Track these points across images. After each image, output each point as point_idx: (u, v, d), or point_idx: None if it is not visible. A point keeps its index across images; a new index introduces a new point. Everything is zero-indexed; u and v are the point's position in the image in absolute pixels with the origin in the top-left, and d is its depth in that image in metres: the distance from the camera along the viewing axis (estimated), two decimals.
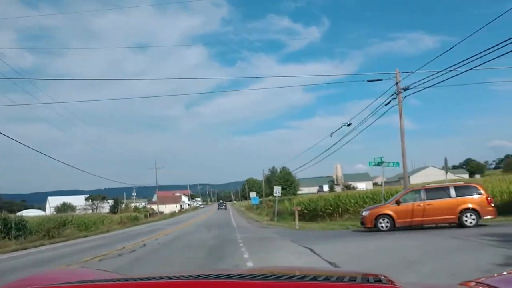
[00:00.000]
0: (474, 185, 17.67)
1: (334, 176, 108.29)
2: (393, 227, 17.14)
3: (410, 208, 17.08)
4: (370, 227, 17.61)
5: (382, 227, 17.23)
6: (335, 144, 28.22)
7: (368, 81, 21.53)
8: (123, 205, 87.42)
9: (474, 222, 16.28)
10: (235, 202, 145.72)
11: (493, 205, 16.84)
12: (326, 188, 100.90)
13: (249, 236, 19.21)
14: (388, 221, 17.21)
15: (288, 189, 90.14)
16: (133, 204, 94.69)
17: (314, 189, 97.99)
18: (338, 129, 25.68)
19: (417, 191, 17.73)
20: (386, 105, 21.66)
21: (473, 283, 1.42)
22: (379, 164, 21.73)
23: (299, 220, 32.16)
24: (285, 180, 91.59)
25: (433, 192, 17.18)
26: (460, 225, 16.43)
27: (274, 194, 35.76)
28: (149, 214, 71.71)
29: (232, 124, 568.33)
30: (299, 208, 26.23)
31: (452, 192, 16.81)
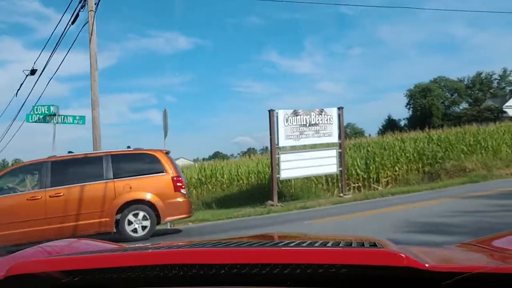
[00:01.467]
0: (150, 152, 8.54)
1: None
2: None
3: (11, 204, 7.77)
4: None
5: None
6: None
7: None
8: None
9: (146, 231, 7.94)
10: None
11: (185, 192, 8.60)
12: None
13: None
14: None
15: None
16: None
17: None
18: (22, 82, 15.35)
19: (36, 166, 8.24)
20: (73, 23, 12.11)
21: (471, 245, 1.44)
22: (45, 118, 11.70)
23: None
24: None
25: (68, 170, 8.14)
26: (123, 235, 7.85)
27: None
28: None
29: None
30: None
31: (107, 168, 8.07)
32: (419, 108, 55.97)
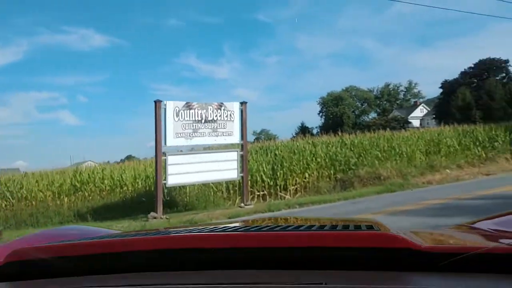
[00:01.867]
0: None
1: None
2: None
3: None
4: None
5: None
6: None
7: None
8: None
9: None
10: None
11: None
12: None
13: None
14: None
15: None
16: None
17: None
18: None
19: None
20: None
21: (464, 226, 1.44)
22: None
23: None
24: None
25: None
26: None
27: None
28: None
29: None
30: None
31: None
32: (331, 116, 56.46)
